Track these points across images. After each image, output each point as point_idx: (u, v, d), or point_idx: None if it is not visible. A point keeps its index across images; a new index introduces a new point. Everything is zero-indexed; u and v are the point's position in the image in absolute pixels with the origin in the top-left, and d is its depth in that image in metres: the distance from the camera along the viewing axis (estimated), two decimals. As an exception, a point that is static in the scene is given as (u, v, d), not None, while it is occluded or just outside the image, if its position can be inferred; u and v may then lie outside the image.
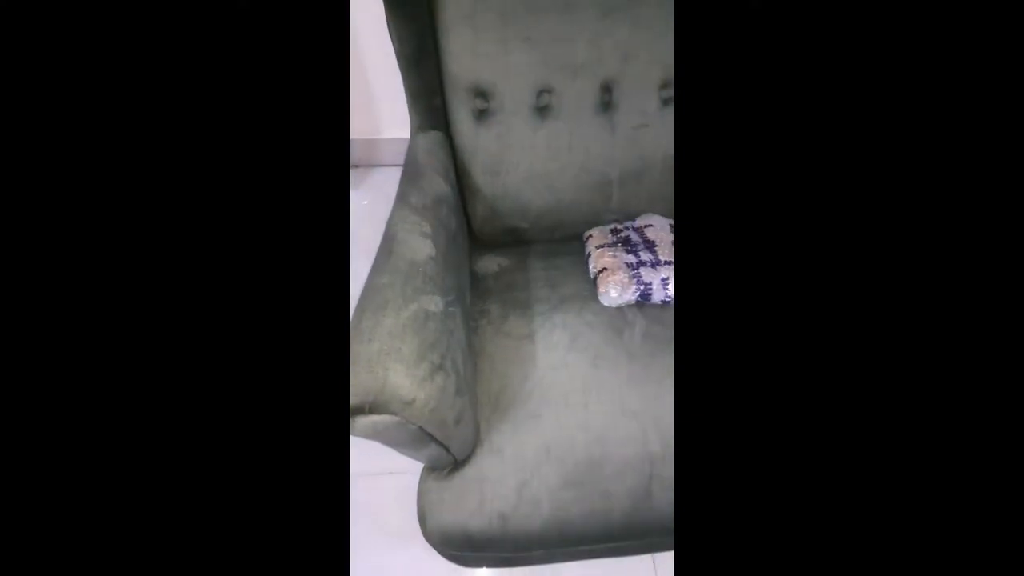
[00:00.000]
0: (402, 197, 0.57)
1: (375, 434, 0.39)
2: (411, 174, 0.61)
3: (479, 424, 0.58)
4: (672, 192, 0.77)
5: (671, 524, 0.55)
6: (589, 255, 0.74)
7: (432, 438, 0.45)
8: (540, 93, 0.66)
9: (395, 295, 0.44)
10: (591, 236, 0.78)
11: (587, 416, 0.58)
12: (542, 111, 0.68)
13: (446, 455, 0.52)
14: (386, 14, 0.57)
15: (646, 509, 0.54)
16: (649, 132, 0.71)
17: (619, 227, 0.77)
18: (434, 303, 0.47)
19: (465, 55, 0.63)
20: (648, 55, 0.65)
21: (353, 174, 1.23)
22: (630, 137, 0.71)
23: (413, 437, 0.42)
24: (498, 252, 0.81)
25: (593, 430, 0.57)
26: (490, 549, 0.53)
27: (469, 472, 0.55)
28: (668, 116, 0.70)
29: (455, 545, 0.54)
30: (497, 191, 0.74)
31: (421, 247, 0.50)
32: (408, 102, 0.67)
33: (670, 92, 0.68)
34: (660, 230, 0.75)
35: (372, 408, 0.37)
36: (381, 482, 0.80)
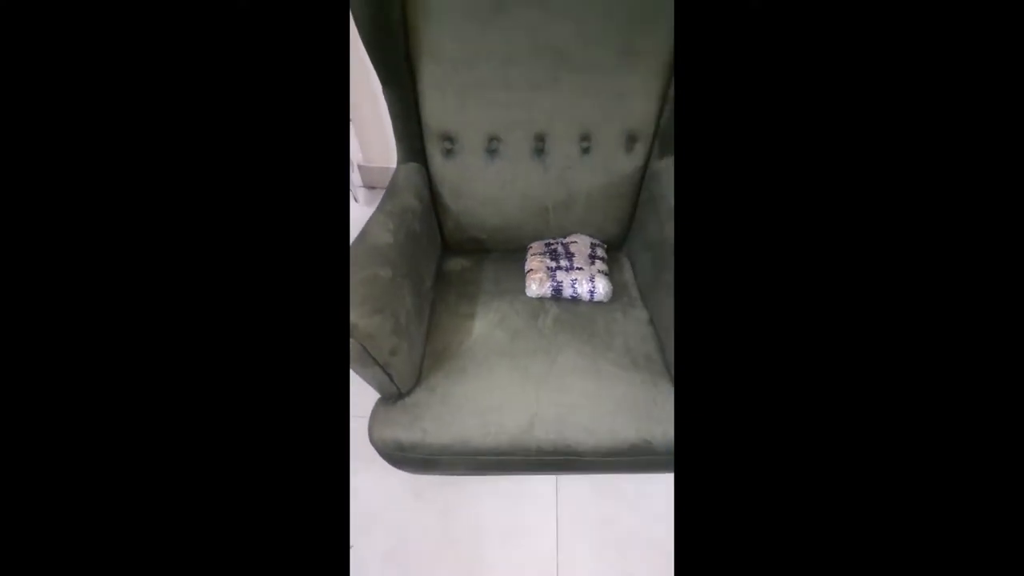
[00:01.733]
0: (380, 206, 0.81)
1: (330, 343, 0.62)
2: (390, 192, 0.86)
3: (423, 370, 0.80)
4: (595, 216, 0.99)
5: (548, 449, 0.73)
6: (525, 260, 0.96)
7: (373, 359, 0.66)
8: (490, 140, 0.90)
9: (357, 264, 0.68)
10: (531, 247, 1.00)
11: (499, 372, 0.79)
12: (492, 153, 0.91)
13: (390, 383, 0.73)
14: (382, 88, 0.83)
15: (528, 437, 0.73)
16: (573, 172, 0.93)
17: (552, 241, 0.99)
18: (384, 272, 0.69)
19: (436, 112, 0.87)
20: (568, 117, 0.88)
21: (371, 194, 1.51)
22: (559, 176, 0.93)
23: (359, 353, 0.64)
24: (463, 256, 1.04)
25: (500, 382, 0.77)
26: (413, 452, 0.74)
27: (408, 401, 0.76)
28: (587, 161, 0.92)
29: (390, 448, 0.74)
30: (461, 209, 0.98)
31: (383, 237, 0.74)
32: (396, 142, 0.92)
33: (587, 143, 0.90)
34: (581, 245, 0.96)
35: (328, 324, 0.60)
36: (352, 423, 1.01)
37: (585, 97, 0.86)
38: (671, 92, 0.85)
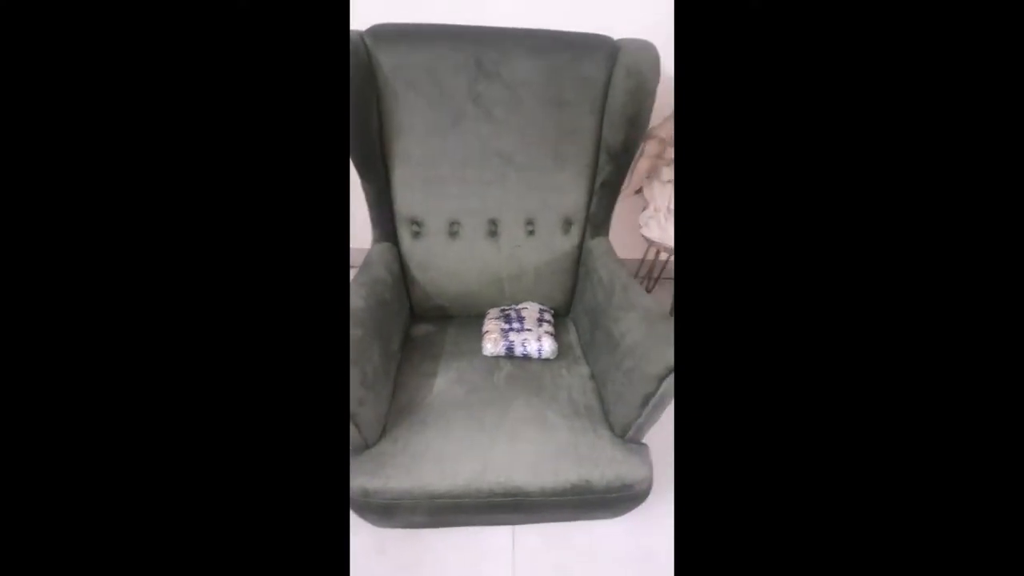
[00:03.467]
0: (355, 278, 0.94)
1: (305, 392, 0.71)
2: (365, 266, 0.99)
3: (388, 425, 0.88)
4: (542, 287, 1.13)
5: (499, 491, 0.80)
6: (482, 324, 1.09)
7: (342, 408, 0.75)
8: (451, 224, 1.06)
9: (332, 325, 0.78)
10: (489, 312, 1.12)
11: (454, 424, 0.87)
12: (453, 235, 1.07)
13: (357, 434, 0.81)
14: (361, 182, 0.99)
15: (480, 480, 0.80)
16: (522, 250, 1.09)
17: (507, 308, 1.12)
18: (354, 332, 0.80)
19: (406, 202, 1.03)
20: (515, 206, 1.05)
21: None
22: (510, 254, 1.09)
23: (329, 403, 0.73)
24: (429, 323, 1.15)
25: (457, 432, 0.85)
26: (376, 498, 0.80)
27: (374, 451, 0.83)
28: (533, 241, 1.08)
29: (356, 495, 0.80)
30: (427, 281, 1.11)
31: (356, 302, 0.85)
32: (372, 225, 1.07)
33: (532, 227, 1.07)
34: (532, 311, 1.09)
35: (304, 375, 0.69)
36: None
37: (528, 190, 1.04)
38: (596, 186, 1.04)
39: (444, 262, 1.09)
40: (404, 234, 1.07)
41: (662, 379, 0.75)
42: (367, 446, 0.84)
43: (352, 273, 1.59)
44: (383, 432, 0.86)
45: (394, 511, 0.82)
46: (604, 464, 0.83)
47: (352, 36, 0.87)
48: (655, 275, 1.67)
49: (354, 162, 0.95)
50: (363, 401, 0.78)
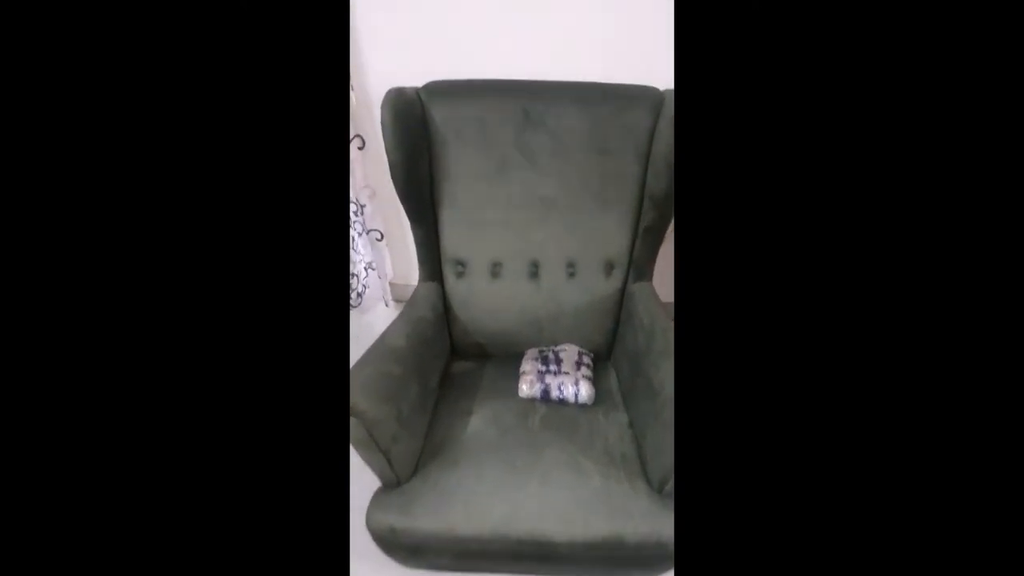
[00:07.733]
0: (399, 317, 0.96)
1: (342, 426, 0.72)
2: (410, 304, 1.01)
3: (421, 462, 0.87)
4: (582, 329, 1.11)
5: (526, 539, 0.77)
6: (519, 364, 1.07)
7: (376, 444, 0.75)
8: (494, 265, 1.07)
9: (371, 361, 0.80)
10: (527, 353, 1.11)
11: (486, 464, 0.85)
12: (494, 275, 1.08)
13: (389, 470, 0.81)
14: (410, 224, 1.04)
15: (508, 526, 0.77)
16: (561, 292, 1.08)
17: (544, 349, 1.10)
18: (394, 370, 0.81)
19: (452, 242, 1.06)
20: (556, 249, 1.05)
21: (398, 305, 1.71)
22: (550, 295, 1.08)
23: (364, 438, 0.74)
24: (468, 360, 1.15)
25: (488, 473, 0.84)
26: (404, 537, 0.79)
27: (405, 488, 0.83)
28: (573, 283, 1.07)
29: (384, 532, 0.79)
30: (468, 319, 1.12)
31: (397, 341, 0.87)
32: (419, 265, 1.10)
33: (572, 269, 1.06)
34: (570, 352, 1.07)
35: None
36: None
37: (569, 234, 1.03)
38: (639, 231, 1.02)
39: (485, 300, 1.10)
40: (448, 274, 1.10)
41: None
42: (399, 483, 0.84)
43: (390, 302, 1.66)
44: (416, 469, 0.86)
45: (421, 552, 0.81)
46: (639, 518, 0.78)
47: (409, 93, 0.93)
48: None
49: (404, 206, 0.99)
50: (397, 438, 0.79)
